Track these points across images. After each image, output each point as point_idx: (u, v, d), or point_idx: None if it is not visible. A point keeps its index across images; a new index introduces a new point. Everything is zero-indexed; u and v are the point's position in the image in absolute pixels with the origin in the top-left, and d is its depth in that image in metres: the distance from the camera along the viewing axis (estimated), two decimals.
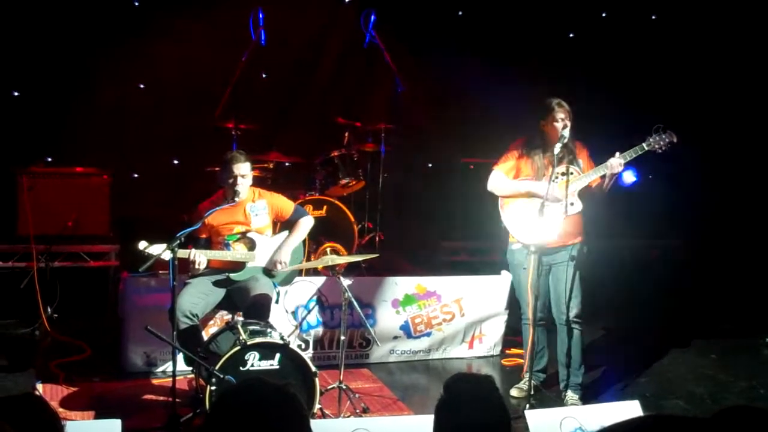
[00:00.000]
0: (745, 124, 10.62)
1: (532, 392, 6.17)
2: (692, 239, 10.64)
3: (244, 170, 6.06)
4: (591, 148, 6.39)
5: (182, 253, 5.71)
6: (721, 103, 10.63)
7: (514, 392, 6.62)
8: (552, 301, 6.44)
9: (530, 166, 6.28)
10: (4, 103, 8.67)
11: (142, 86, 9.02)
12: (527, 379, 6.32)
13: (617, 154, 6.05)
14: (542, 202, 5.95)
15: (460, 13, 10.33)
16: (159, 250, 5.47)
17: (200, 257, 5.78)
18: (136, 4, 9.19)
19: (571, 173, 6.12)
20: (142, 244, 5.55)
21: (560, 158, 6.07)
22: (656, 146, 6.04)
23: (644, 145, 6.06)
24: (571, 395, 6.45)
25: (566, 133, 6.05)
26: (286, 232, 6.36)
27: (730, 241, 10.48)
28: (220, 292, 6.06)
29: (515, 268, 6.54)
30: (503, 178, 6.38)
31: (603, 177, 6.17)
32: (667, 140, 6.03)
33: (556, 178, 6.11)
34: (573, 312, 6.33)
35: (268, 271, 6.16)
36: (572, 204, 6.11)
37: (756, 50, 10.33)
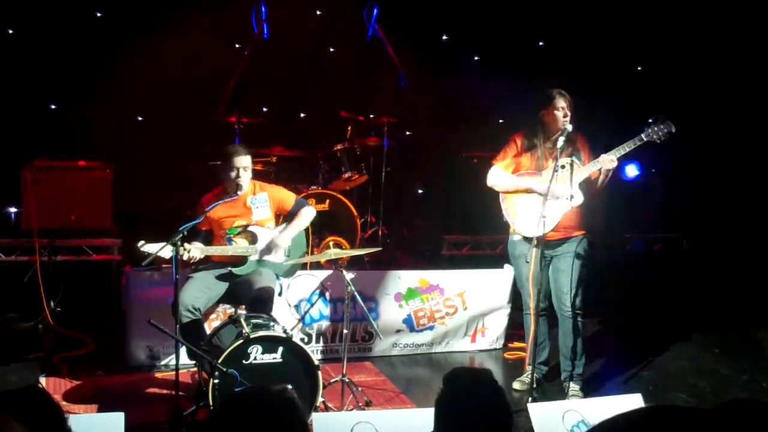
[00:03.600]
0: (747, 119, 10.60)
1: (534, 385, 6.18)
2: (695, 232, 10.64)
3: (245, 162, 6.06)
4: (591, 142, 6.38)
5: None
6: (724, 97, 10.62)
7: (516, 385, 6.62)
8: (553, 293, 6.44)
9: (530, 159, 6.28)
10: (7, 97, 8.66)
11: (144, 80, 8.99)
12: (530, 372, 6.32)
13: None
14: (542, 198, 5.94)
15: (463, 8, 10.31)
16: (157, 247, 5.46)
17: (194, 252, 5.77)
18: None
19: (570, 165, 6.11)
20: (140, 243, 5.55)
21: (561, 150, 6.06)
22: (654, 137, 6.02)
23: (642, 136, 6.03)
24: (572, 386, 6.45)
25: (569, 126, 6.04)
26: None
27: (734, 235, 10.47)
28: (223, 286, 6.07)
29: (516, 260, 6.54)
30: (502, 173, 6.37)
31: (599, 171, 6.17)
32: (665, 130, 6.00)
33: (557, 170, 6.09)
34: (573, 301, 6.33)
35: (266, 254, 6.17)
36: (573, 196, 6.11)
37: (757, 43, 10.30)
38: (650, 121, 6.03)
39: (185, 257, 5.74)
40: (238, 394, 2.72)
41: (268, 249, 6.14)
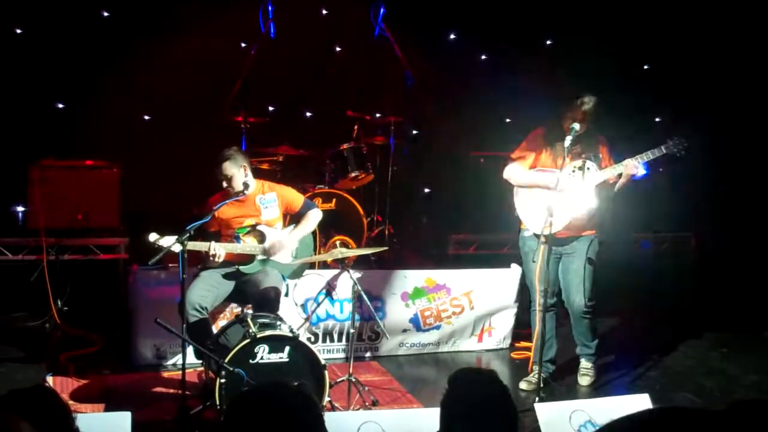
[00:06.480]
0: (756, 116, 10.56)
1: (541, 385, 6.18)
2: (704, 232, 10.60)
3: (226, 171, 6.03)
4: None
5: (201, 245, 5.74)
6: (732, 95, 10.58)
7: (523, 385, 6.62)
8: (562, 290, 6.50)
9: (549, 155, 6.31)
10: (15, 97, 8.67)
11: (151, 79, 8.99)
12: (536, 371, 6.32)
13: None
14: (552, 195, 5.97)
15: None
16: (169, 242, 5.48)
17: (219, 250, 5.79)
18: None
19: (588, 168, 6.18)
20: (153, 236, 5.57)
21: (578, 153, 6.16)
22: (674, 149, 6.10)
23: (663, 148, 6.11)
24: (584, 363, 6.69)
25: (577, 126, 6.06)
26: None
27: (742, 234, 10.43)
28: (230, 285, 6.08)
29: (525, 256, 6.58)
30: (519, 167, 6.42)
31: (619, 175, 6.19)
32: (686, 144, 6.08)
33: (573, 171, 6.16)
34: (583, 301, 6.41)
35: (274, 254, 6.17)
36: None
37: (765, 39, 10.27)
38: (673, 135, 6.12)
39: (216, 258, 5.78)
40: (253, 389, 2.70)
41: (276, 249, 6.14)
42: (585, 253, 6.34)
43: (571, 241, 6.37)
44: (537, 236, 6.33)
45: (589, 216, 6.29)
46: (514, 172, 6.44)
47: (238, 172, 6.06)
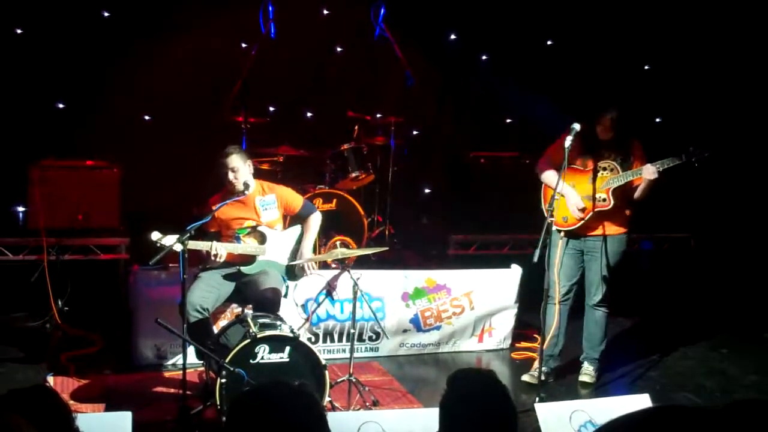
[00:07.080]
0: (755, 116, 10.56)
1: (542, 378, 6.27)
2: (703, 232, 10.60)
3: (233, 164, 6.04)
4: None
5: (203, 245, 5.74)
6: (731, 95, 10.58)
7: (525, 378, 6.68)
8: (585, 286, 6.66)
9: (577, 156, 6.46)
10: (15, 97, 8.67)
11: (152, 80, 8.98)
12: (537, 367, 6.39)
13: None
14: (552, 194, 6.07)
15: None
16: (171, 241, 5.48)
17: (221, 249, 5.80)
18: None
19: (611, 169, 6.35)
20: (155, 235, 5.55)
21: (607, 156, 6.36)
22: (693, 158, 6.21)
23: (683, 156, 6.23)
24: (586, 366, 6.77)
25: (576, 126, 6.12)
26: (297, 227, 6.37)
27: (742, 235, 10.43)
28: (231, 285, 6.08)
29: (551, 248, 6.64)
30: (544, 164, 6.59)
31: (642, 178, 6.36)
32: (705, 154, 6.19)
33: (602, 170, 6.38)
34: (598, 297, 6.60)
35: (293, 274, 6.20)
36: (604, 200, 6.36)
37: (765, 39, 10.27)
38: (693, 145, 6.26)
39: (218, 258, 5.78)
40: (254, 389, 2.70)
41: (299, 268, 6.18)
42: (604, 253, 6.50)
43: (594, 239, 6.52)
44: (558, 231, 6.51)
45: (611, 216, 6.43)
46: (541, 169, 6.62)
47: (243, 165, 6.09)
